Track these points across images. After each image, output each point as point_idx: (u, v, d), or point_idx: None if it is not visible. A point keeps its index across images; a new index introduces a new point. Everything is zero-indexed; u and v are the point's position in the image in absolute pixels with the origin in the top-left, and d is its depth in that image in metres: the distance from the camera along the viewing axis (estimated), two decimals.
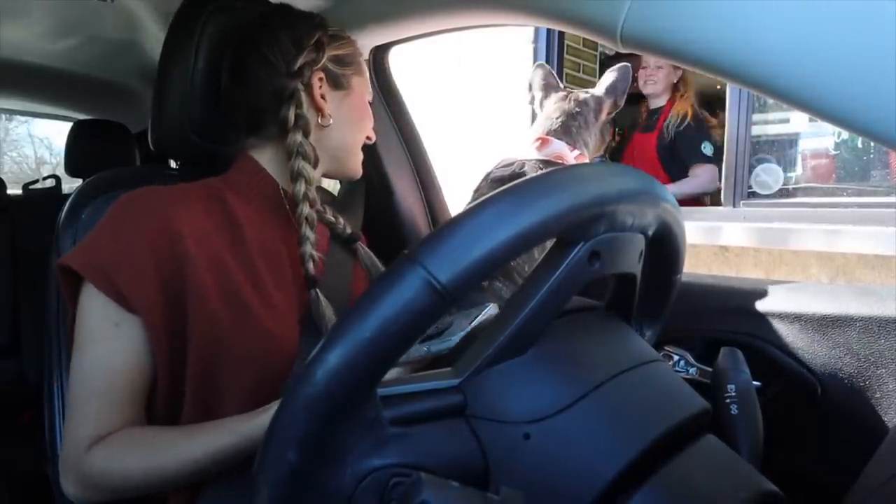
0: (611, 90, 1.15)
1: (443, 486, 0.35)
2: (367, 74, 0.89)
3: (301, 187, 0.79)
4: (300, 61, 0.79)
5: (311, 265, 0.79)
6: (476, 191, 1.11)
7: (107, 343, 0.70)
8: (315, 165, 0.81)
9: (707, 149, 2.36)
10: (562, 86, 1.22)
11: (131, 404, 0.70)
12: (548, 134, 1.11)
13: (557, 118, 1.12)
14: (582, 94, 1.16)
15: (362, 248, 0.93)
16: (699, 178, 2.38)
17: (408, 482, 0.36)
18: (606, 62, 3.53)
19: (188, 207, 0.75)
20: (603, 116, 1.16)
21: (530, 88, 1.26)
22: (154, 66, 0.89)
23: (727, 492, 0.45)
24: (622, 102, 1.17)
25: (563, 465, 0.42)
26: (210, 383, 0.71)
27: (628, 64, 1.16)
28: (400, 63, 1.27)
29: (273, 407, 0.66)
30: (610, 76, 1.16)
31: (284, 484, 0.38)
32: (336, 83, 0.84)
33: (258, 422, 0.65)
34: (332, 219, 0.92)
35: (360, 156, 0.89)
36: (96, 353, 0.70)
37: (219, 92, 0.85)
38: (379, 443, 0.41)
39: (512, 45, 2.90)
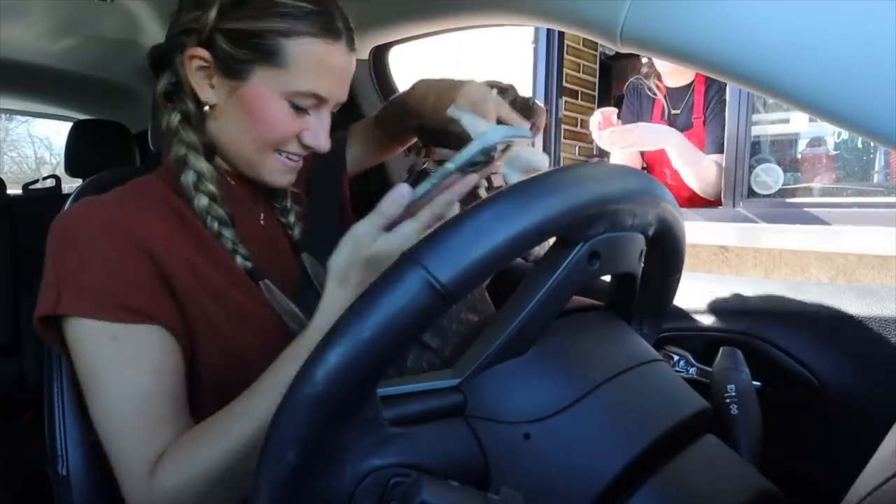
0: None
1: (442, 486, 0.35)
2: (306, 74, 0.66)
3: (189, 178, 0.69)
4: (181, 22, 0.66)
5: (238, 259, 0.71)
6: None
7: (126, 365, 0.62)
8: (207, 155, 0.71)
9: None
10: None
11: (177, 410, 0.64)
12: None
13: None
14: None
15: (308, 258, 0.82)
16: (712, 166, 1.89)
17: (408, 482, 0.36)
18: (606, 62, 3.54)
19: (144, 212, 0.67)
20: None
21: None
22: None
23: (727, 492, 0.45)
24: None
25: (563, 465, 0.42)
26: (222, 382, 0.67)
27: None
28: (400, 63, 1.27)
29: (324, 310, 0.59)
30: None
31: (284, 484, 0.38)
32: (226, 68, 0.66)
33: (310, 332, 0.58)
34: (284, 220, 0.84)
35: (269, 164, 0.72)
36: (120, 379, 0.61)
37: None
38: (379, 443, 0.40)
39: (512, 45, 2.90)
